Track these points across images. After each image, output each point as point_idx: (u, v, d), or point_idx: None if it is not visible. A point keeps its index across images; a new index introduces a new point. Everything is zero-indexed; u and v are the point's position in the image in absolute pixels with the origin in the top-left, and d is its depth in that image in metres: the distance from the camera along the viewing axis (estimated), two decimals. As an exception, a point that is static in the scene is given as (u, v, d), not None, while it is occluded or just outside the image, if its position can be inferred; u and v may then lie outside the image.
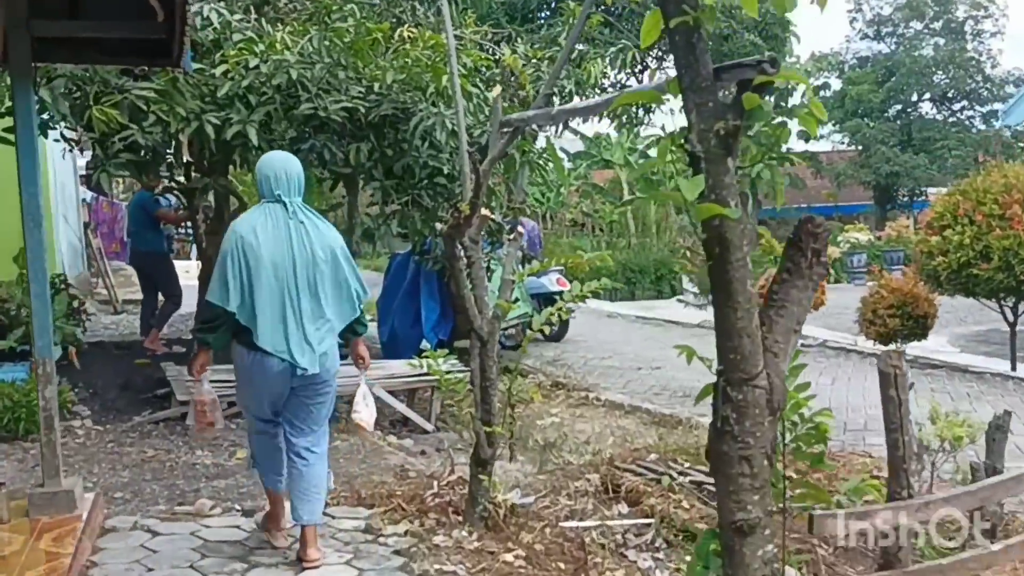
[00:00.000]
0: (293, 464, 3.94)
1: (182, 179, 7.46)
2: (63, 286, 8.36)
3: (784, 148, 2.78)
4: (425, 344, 9.66)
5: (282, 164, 3.90)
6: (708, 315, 5.98)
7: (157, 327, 8.71)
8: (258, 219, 3.80)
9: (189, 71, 5.21)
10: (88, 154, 8.08)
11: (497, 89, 4.85)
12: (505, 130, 4.45)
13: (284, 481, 4.04)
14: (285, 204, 3.80)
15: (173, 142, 6.00)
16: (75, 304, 8.56)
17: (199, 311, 5.49)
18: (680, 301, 12.49)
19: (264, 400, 3.93)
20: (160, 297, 8.98)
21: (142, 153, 6.12)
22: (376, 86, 6.36)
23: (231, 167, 7.12)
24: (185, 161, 6.53)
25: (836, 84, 35.92)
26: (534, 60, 7.44)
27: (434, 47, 6.45)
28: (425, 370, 7.49)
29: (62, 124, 5.99)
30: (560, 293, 11.53)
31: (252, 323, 3.69)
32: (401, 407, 7.64)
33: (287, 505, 4.04)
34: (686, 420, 7.27)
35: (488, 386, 4.51)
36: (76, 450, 6.05)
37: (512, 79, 6.82)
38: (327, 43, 6.21)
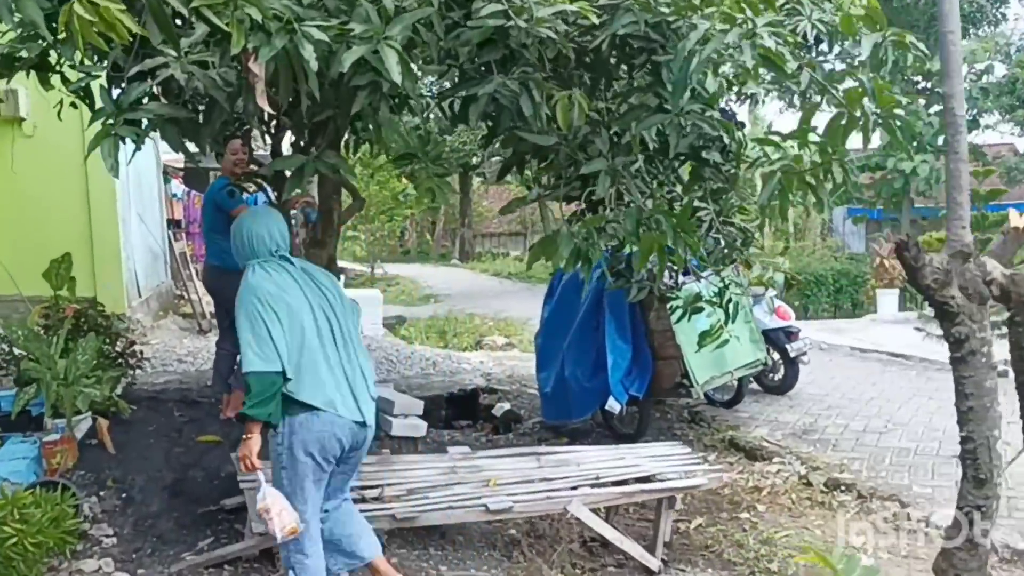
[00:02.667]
0: (346, 508, 3.81)
1: (263, 152, 4.67)
2: (100, 321, 5.70)
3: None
4: (612, 403, 6.72)
5: (271, 222, 3.61)
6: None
7: (237, 386, 5.96)
8: (270, 274, 3.48)
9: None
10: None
11: None
12: None
13: None
14: (289, 259, 3.59)
15: (241, 81, 3.15)
16: (119, 346, 5.89)
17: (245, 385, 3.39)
18: (919, 330, 9.13)
19: (323, 468, 3.51)
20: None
21: (185, 102, 3.33)
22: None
23: (346, 132, 4.27)
24: (266, 118, 3.75)
25: (1001, 69, 31.54)
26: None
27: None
28: (638, 465, 4.87)
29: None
30: (785, 331, 8.55)
31: (304, 387, 3.34)
32: (608, 531, 4.68)
33: None
34: None
35: None
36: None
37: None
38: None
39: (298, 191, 4.23)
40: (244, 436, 3.40)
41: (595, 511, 4.64)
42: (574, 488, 4.64)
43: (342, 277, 15.33)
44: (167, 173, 13.63)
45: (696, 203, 4.57)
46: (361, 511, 4.18)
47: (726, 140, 3.97)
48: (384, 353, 9.60)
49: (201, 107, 3.48)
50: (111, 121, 3.15)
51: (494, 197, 44.45)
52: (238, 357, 6.01)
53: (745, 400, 7.82)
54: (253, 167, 5.10)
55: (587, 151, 3.92)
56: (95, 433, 5.16)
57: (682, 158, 4.04)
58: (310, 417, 3.37)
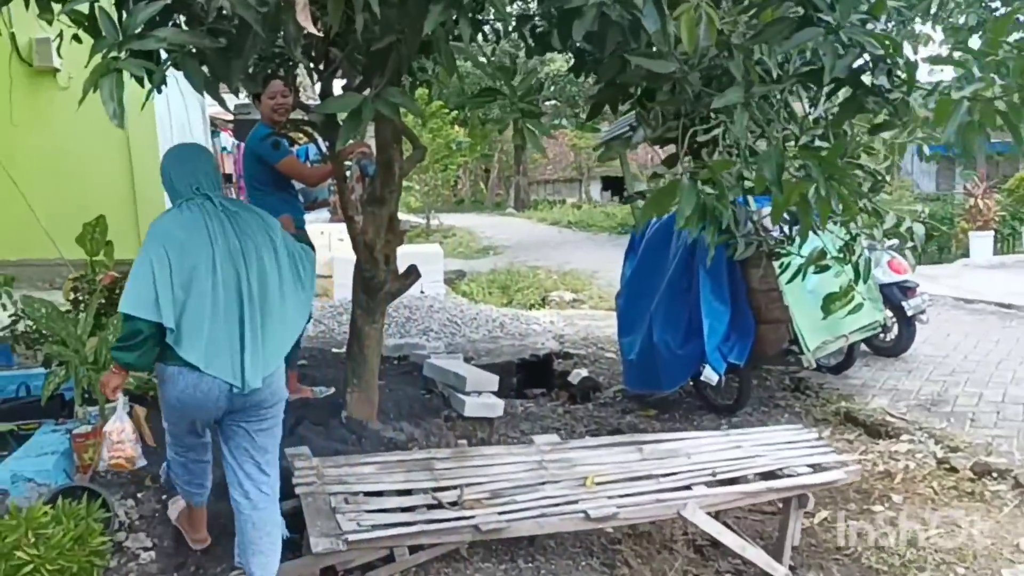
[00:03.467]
0: (239, 509, 3.36)
1: (312, 100, 3.92)
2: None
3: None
4: (709, 373, 5.94)
5: (192, 157, 3.30)
6: None
7: (289, 366, 5.28)
8: (180, 213, 3.19)
9: None
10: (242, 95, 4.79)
11: None
12: None
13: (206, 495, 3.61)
14: (211, 199, 3.21)
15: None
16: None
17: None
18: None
19: (197, 425, 3.32)
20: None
21: (210, 28, 2.58)
22: None
23: (409, 67, 3.49)
24: (310, 48, 2.99)
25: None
26: None
27: None
28: (759, 455, 4.16)
29: None
30: (900, 286, 7.63)
31: (183, 338, 3.05)
32: (729, 537, 3.95)
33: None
34: None
35: None
36: None
37: None
38: None
39: (354, 139, 3.42)
40: (111, 368, 3.28)
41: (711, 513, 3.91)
42: (687, 487, 3.90)
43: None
44: (215, 126, 13.01)
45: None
46: (438, 520, 3.51)
47: (890, 61, 3.11)
48: (448, 314, 8.91)
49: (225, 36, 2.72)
50: (114, 53, 2.42)
51: (549, 143, 43.39)
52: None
53: (854, 365, 6.96)
54: (299, 113, 4.34)
55: (713, 79, 3.09)
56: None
57: (835, 85, 3.18)
58: (179, 372, 3.11)
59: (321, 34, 2.47)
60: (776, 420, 6.15)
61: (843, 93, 3.33)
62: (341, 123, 4.14)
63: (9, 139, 8.65)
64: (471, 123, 34.70)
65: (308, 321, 4.38)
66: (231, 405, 3.21)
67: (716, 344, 5.98)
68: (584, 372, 7.47)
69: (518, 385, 7.39)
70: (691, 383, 6.47)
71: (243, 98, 5.68)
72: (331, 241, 10.91)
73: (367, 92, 2.89)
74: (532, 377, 7.58)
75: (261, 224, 3.30)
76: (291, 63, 3.84)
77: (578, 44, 3.42)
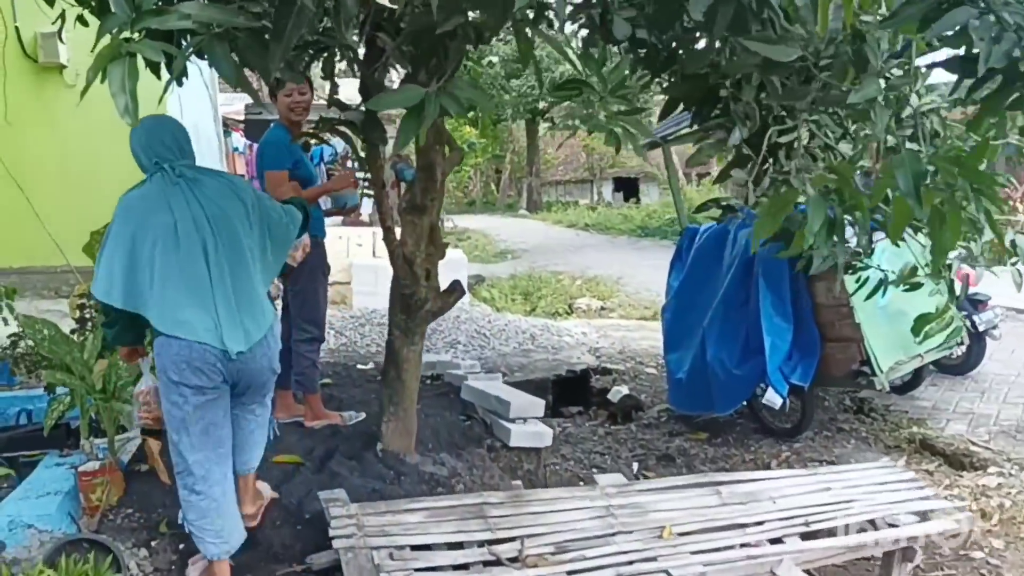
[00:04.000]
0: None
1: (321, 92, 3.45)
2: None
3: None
4: (771, 396, 5.45)
5: (150, 129, 3.19)
6: None
7: (307, 387, 4.78)
8: (143, 188, 3.15)
9: None
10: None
11: None
12: None
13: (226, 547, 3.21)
14: (167, 169, 3.13)
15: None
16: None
17: None
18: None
19: (191, 409, 3.11)
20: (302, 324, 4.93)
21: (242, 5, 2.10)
22: None
23: (466, 51, 2.98)
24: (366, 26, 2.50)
25: None
26: None
27: None
28: (853, 500, 3.67)
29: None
30: (971, 299, 7.08)
31: (158, 312, 3.03)
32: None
33: None
34: None
35: None
36: None
37: None
38: None
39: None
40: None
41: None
42: (778, 540, 3.41)
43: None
44: (227, 126, 12.55)
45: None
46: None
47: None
48: (475, 325, 8.42)
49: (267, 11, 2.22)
50: (126, 33, 1.94)
51: (558, 143, 42.80)
52: (300, 341, 4.86)
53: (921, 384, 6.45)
54: (330, 113, 3.85)
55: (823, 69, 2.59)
56: (144, 455, 4.07)
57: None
58: (166, 341, 3.07)
59: (396, 6, 1.98)
60: (841, 446, 5.65)
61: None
62: (380, 121, 3.71)
63: (13, 140, 8.19)
64: (483, 124, 34.22)
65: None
66: (226, 374, 3.14)
67: (778, 364, 5.48)
68: (624, 390, 6.98)
69: (553, 403, 6.91)
70: (745, 404, 5.98)
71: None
72: (349, 246, 10.43)
73: (431, 86, 2.38)
74: (568, 393, 7.10)
75: (226, 188, 3.23)
76: (331, 53, 3.34)
77: (655, 34, 2.94)
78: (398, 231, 4.22)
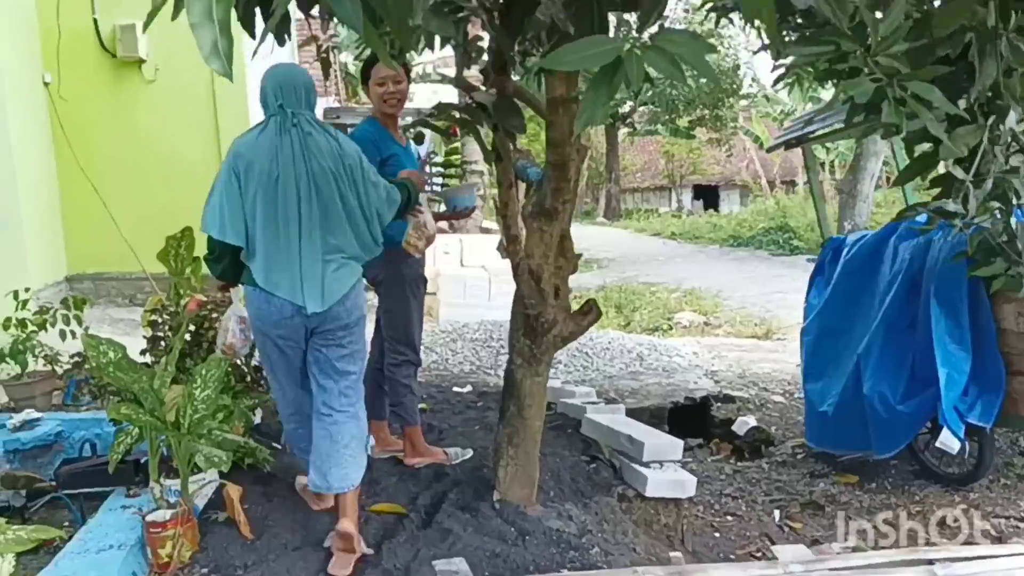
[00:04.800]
0: (317, 425, 3.30)
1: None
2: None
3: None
4: (948, 438, 4.60)
5: (286, 73, 3.30)
6: None
7: (407, 419, 4.11)
8: (256, 132, 3.22)
9: None
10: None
11: None
12: None
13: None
14: (288, 114, 3.18)
15: None
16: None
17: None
18: None
19: (287, 358, 3.33)
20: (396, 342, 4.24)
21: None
22: None
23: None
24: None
25: None
26: None
27: None
28: None
29: None
30: None
31: (252, 258, 3.18)
32: None
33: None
34: None
35: None
36: None
37: None
38: None
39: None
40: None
41: None
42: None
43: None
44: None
45: None
46: None
47: None
48: (576, 342, 7.68)
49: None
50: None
51: (638, 150, 41.81)
52: (394, 365, 4.20)
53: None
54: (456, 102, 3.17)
55: None
56: (221, 502, 3.45)
57: None
58: (253, 291, 3.24)
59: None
60: (1027, 498, 4.76)
61: None
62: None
63: (88, 139, 7.76)
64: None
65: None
66: (307, 324, 3.22)
67: (954, 400, 4.61)
68: (751, 421, 6.17)
69: (669, 434, 6.14)
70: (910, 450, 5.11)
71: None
72: (435, 255, 9.81)
73: (627, 37, 1.66)
74: (685, 422, 6.32)
75: (334, 149, 3.21)
76: (464, 16, 2.65)
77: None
78: (523, 239, 3.53)
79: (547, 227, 3.48)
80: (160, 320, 3.95)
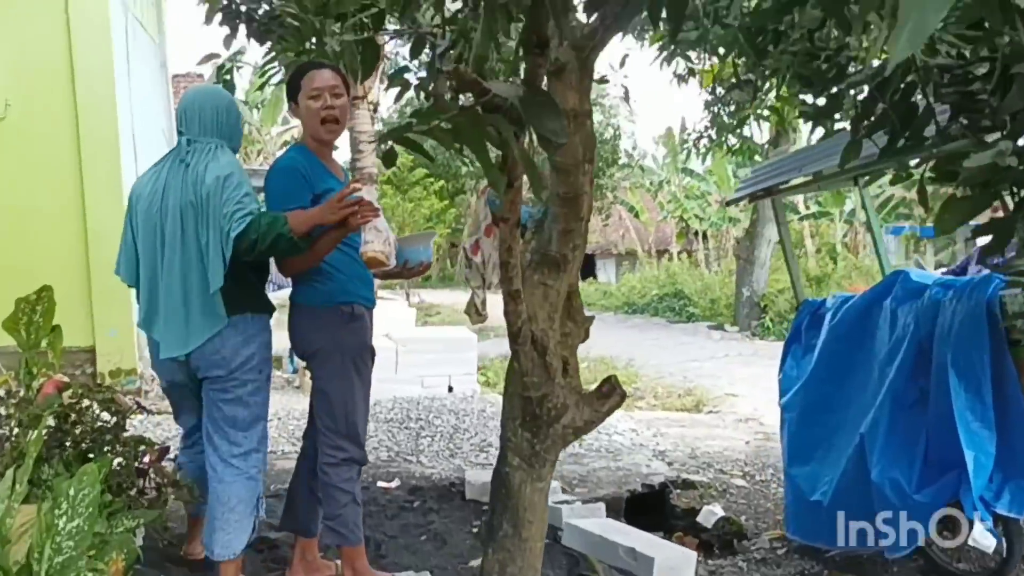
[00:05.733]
0: (210, 484, 3.09)
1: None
2: (106, 407, 2.98)
3: None
4: (981, 534, 3.96)
5: (191, 97, 3.10)
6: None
7: (345, 537, 3.15)
8: (156, 168, 3.16)
9: None
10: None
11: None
12: None
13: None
14: (183, 143, 3.08)
15: None
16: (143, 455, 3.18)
17: None
18: None
19: (177, 397, 3.30)
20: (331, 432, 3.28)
21: None
22: None
23: None
24: None
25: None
26: None
27: None
28: None
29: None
30: None
31: (138, 298, 3.19)
32: None
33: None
34: None
35: None
36: None
37: None
38: None
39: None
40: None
41: None
42: None
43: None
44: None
45: None
46: None
47: None
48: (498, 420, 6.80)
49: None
50: None
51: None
52: (331, 465, 3.25)
53: None
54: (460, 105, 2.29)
55: None
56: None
57: None
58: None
59: None
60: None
61: None
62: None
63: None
64: (439, 196, 32.86)
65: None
66: (189, 370, 3.07)
67: (984, 482, 3.97)
68: (718, 510, 5.40)
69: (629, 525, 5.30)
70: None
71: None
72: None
73: None
74: (641, 512, 5.49)
75: (199, 177, 2.97)
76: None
77: None
78: (523, 299, 2.65)
79: (553, 281, 2.64)
80: (5, 412, 2.85)
